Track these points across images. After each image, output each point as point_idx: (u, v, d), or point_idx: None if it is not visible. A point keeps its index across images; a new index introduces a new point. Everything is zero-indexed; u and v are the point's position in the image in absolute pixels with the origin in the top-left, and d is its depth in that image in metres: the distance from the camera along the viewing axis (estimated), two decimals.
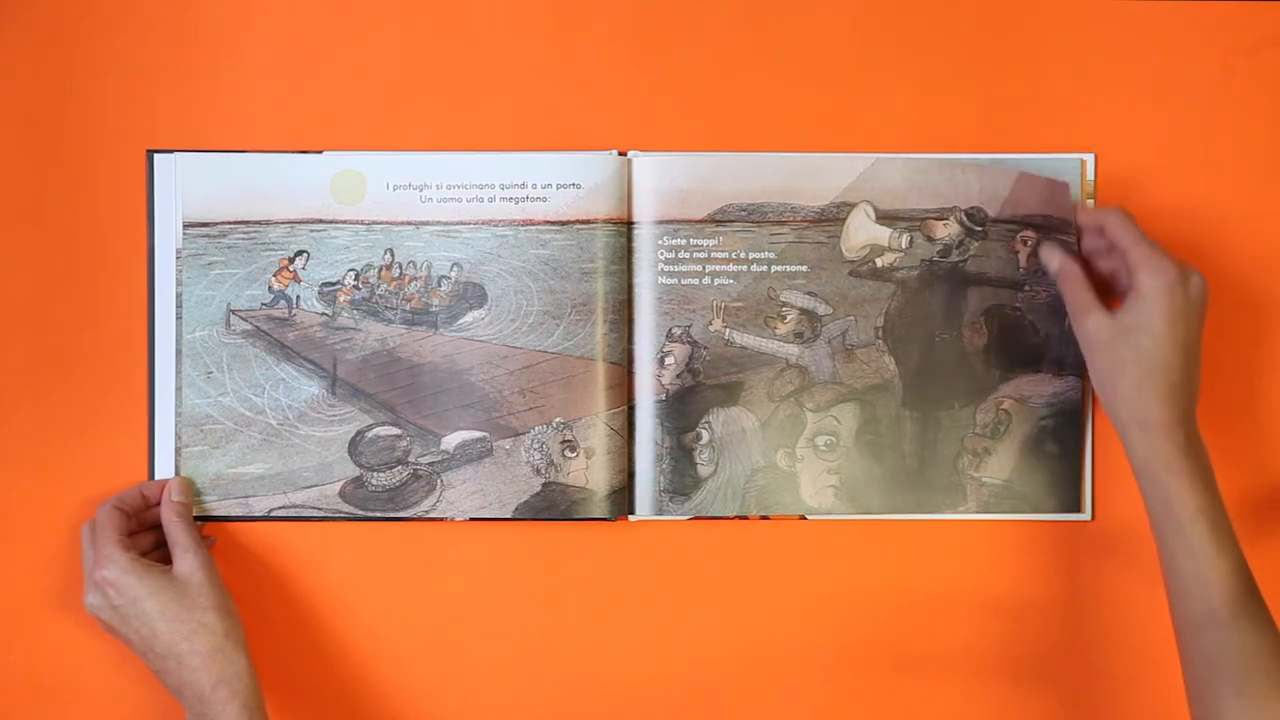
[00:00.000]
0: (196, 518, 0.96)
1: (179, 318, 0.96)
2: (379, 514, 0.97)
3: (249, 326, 0.97)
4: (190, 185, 0.96)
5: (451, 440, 0.97)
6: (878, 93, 0.98)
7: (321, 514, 0.97)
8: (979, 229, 0.96)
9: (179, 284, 0.96)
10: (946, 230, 0.96)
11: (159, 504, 0.95)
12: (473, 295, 0.97)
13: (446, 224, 0.97)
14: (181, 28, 0.96)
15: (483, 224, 0.97)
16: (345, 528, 0.97)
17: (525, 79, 0.97)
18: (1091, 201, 0.98)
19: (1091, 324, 0.90)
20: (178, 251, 0.96)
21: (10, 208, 0.96)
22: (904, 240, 0.96)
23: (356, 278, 0.97)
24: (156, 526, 0.96)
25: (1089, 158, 0.98)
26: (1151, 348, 0.87)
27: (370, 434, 0.97)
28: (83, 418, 0.96)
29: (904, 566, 0.98)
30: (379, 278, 0.97)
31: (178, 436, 0.96)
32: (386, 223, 0.97)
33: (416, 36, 0.97)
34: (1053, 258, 0.94)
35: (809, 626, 0.98)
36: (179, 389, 0.96)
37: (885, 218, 0.96)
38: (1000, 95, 0.98)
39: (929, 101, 0.98)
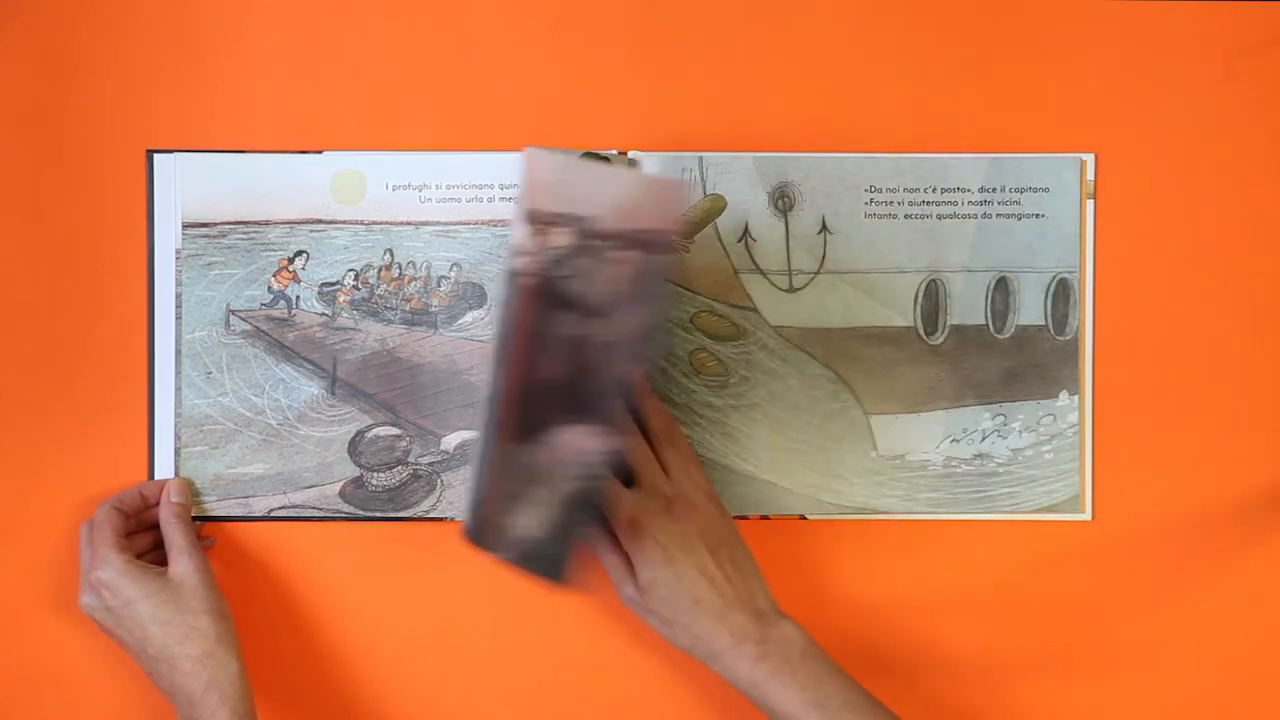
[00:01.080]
0: (196, 518, 0.96)
1: (179, 318, 0.96)
2: (379, 514, 0.97)
3: (249, 327, 0.97)
4: (190, 185, 0.96)
5: (451, 440, 0.97)
6: (877, 93, 0.98)
7: (321, 514, 0.97)
8: (592, 243, 0.81)
9: (179, 284, 0.96)
10: (560, 240, 0.81)
11: (158, 504, 0.95)
12: (472, 295, 0.97)
13: (446, 224, 0.97)
14: (181, 28, 0.96)
15: (482, 224, 0.97)
16: (345, 528, 0.97)
17: (525, 79, 0.97)
18: (1092, 203, 0.98)
19: (627, 594, 0.90)
20: (177, 252, 0.96)
21: (10, 208, 0.96)
22: (533, 244, 0.82)
23: (356, 278, 0.97)
24: (155, 527, 0.96)
25: (1089, 158, 0.98)
26: (672, 594, 0.88)
27: (370, 434, 0.97)
28: (83, 418, 0.96)
29: (904, 566, 0.98)
30: (378, 278, 0.97)
31: (177, 437, 0.96)
32: (386, 223, 0.97)
33: (416, 36, 0.97)
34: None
35: (809, 626, 0.98)
36: (179, 389, 0.96)
37: (540, 218, 0.81)
38: (1000, 95, 0.98)
39: (928, 101, 0.98)
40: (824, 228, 0.97)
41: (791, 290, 0.97)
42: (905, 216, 0.97)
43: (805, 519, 0.98)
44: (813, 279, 0.97)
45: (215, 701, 0.87)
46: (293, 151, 0.96)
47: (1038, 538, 0.98)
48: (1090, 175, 0.98)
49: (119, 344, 0.96)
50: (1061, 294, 0.98)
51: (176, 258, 0.96)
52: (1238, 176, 0.98)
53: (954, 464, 0.98)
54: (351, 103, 0.97)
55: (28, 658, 0.96)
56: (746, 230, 0.97)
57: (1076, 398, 0.98)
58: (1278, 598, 0.98)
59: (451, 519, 0.97)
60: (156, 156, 0.96)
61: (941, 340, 0.98)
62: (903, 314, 0.98)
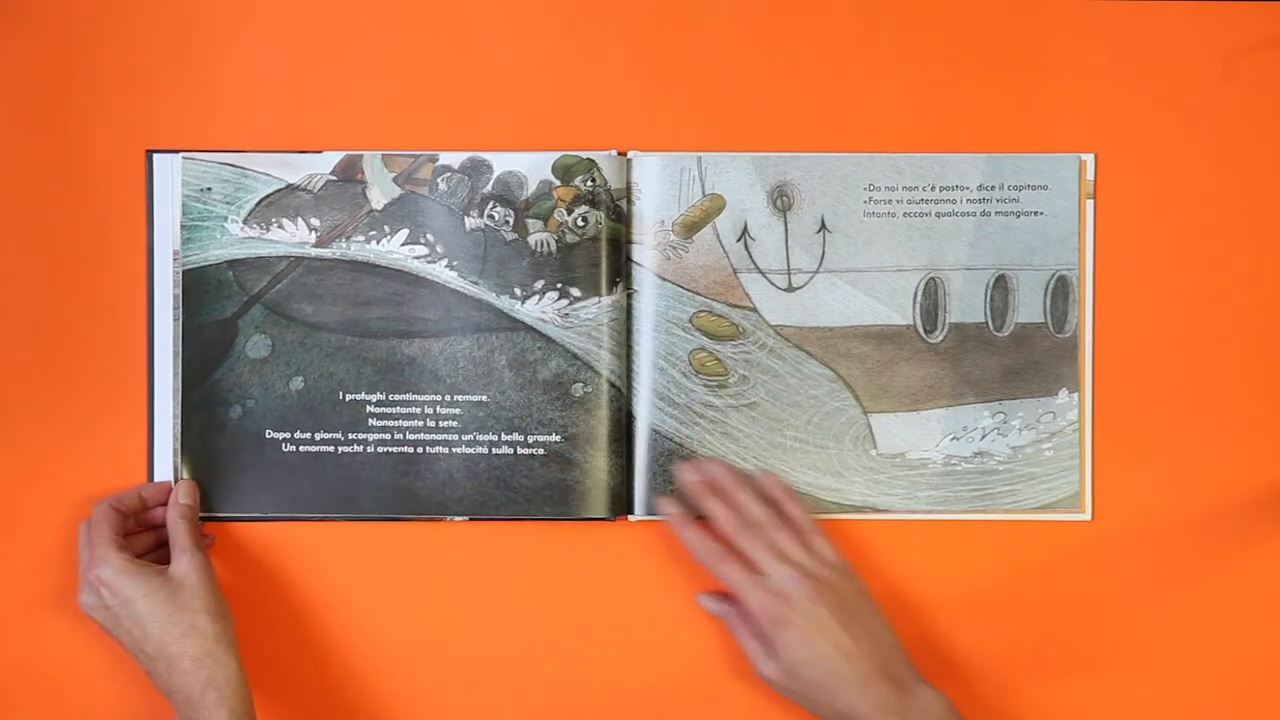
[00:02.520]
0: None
1: (178, 318, 0.96)
2: (379, 514, 0.97)
3: None
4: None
5: None
6: (877, 93, 0.98)
7: (321, 514, 0.97)
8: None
9: (178, 284, 0.96)
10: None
11: (157, 506, 0.95)
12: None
13: None
14: (181, 28, 0.96)
15: None
16: (345, 528, 0.97)
17: (525, 79, 0.97)
18: (1091, 202, 0.98)
19: (766, 672, 0.92)
20: (176, 252, 0.96)
21: (10, 208, 0.96)
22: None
23: None
24: (157, 527, 0.96)
25: (1089, 158, 0.98)
26: (813, 674, 0.89)
27: None
28: (82, 418, 0.96)
29: (904, 566, 0.98)
30: None
31: (177, 437, 0.96)
32: None
33: (416, 36, 0.97)
34: (713, 606, 0.96)
35: None
36: (178, 389, 0.96)
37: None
38: (1000, 95, 0.98)
39: (928, 101, 0.98)
40: (823, 227, 0.98)
41: (791, 289, 0.97)
42: (904, 215, 0.97)
43: None
44: (812, 278, 0.97)
45: (213, 701, 0.87)
46: (293, 151, 0.97)
47: (1037, 537, 0.98)
48: (1090, 175, 0.98)
49: (119, 344, 0.96)
50: (1060, 291, 0.98)
51: (176, 258, 0.96)
52: (1238, 176, 0.98)
53: (954, 462, 0.98)
54: (351, 102, 0.97)
55: (28, 657, 0.96)
56: (745, 230, 0.97)
57: (1076, 395, 0.98)
58: (1278, 598, 0.97)
59: (451, 519, 0.97)
60: (156, 156, 0.97)
61: (941, 338, 0.98)
62: (902, 312, 0.98)
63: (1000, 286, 0.98)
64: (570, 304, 0.97)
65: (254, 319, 0.97)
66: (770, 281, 0.97)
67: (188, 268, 0.96)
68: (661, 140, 0.97)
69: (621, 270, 0.97)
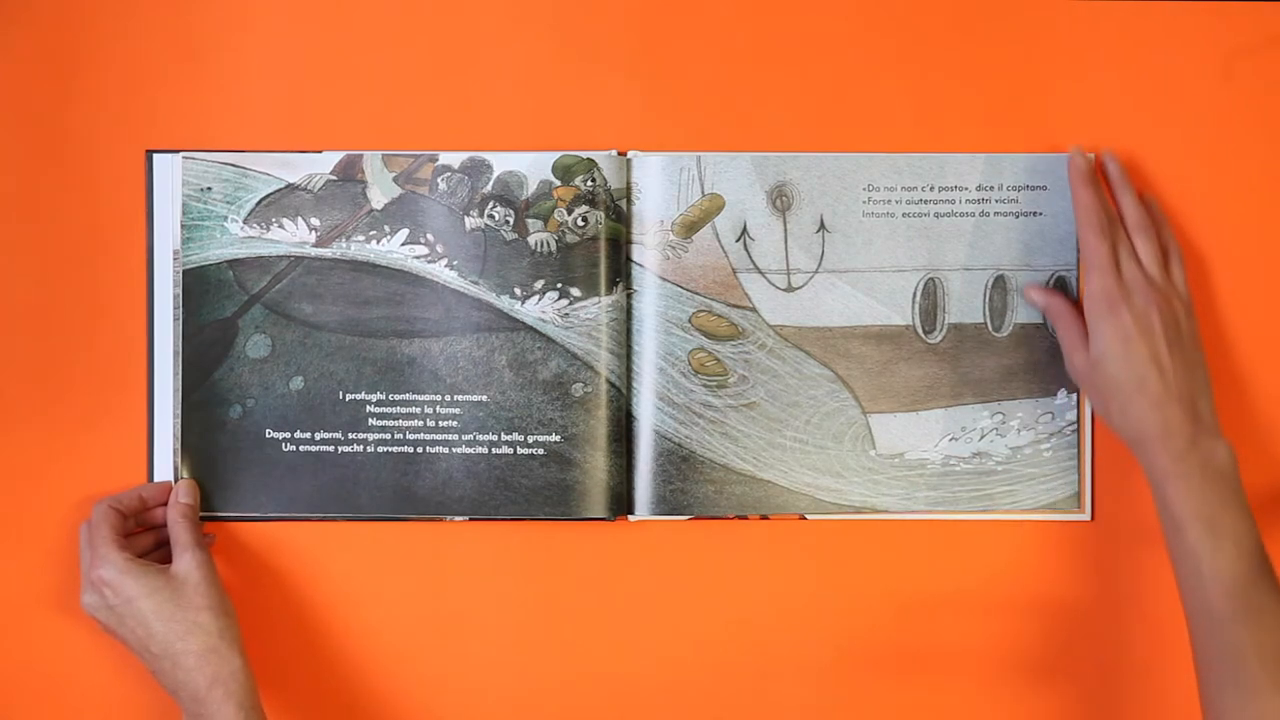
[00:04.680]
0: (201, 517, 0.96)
1: (178, 318, 0.96)
2: (379, 514, 0.97)
3: None
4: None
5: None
6: (877, 92, 0.98)
7: (321, 514, 0.97)
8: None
9: (178, 284, 0.96)
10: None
11: (157, 506, 0.95)
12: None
13: None
14: (181, 28, 0.97)
15: None
16: (345, 528, 0.97)
17: (525, 79, 0.97)
18: None
19: (1075, 362, 0.93)
20: (176, 252, 0.96)
21: (10, 208, 0.96)
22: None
23: None
24: (157, 526, 0.96)
25: (1089, 158, 0.98)
26: (1119, 371, 0.90)
27: None
28: (83, 418, 0.96)
29: (904, 566, 0.98)
30: None
31: (177, 436, 0.96)
32: None
33: (416, 36, 0.97)
34: (1038, 297, 0.96)
35: (809, 626, 0.98)
36: (178, 389, 0.96)
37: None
38: (1000, 95, 0.98)
39: (928, 101, 0.98)
40: (822, 226, 0.98)
41: (790, 289, 0.97)
42: (903, 215, 0.97)
43: (804, 518, 0.98)
44: (811, 278, 0.97)
45: (220, 697, 0.87)
46: (293, 151, 0.97)
47: (1036, 537, 0.98)
48: None
49: (119, 344, 0.96)
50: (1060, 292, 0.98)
51: (176, 258, 0.96)
52: (1238, 176, 0.98)
53: (952, 462, 0.98)
54: (351, 102, 0.97)
55: (29, 658, 0.97)
56: (745, 230, 0.97)
57: (1075, 396, 0.98)
58: None
59: (451, 519, 0.97)
60: (156, 156, 0.97)
61: (940, 339, 0.98)
62: (901, 313, 0.98)
63: (999, 287, 0.98)
64: (570, 304, 0.97)
65: (254, 319, 0.97)
66: (770, 281, 0.97)
67: (188, 267, 0.96)
68: (661, 140, 0.97)
69: (621, 270, 0.97)
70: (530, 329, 0.97)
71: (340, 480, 0.97)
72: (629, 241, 0.97)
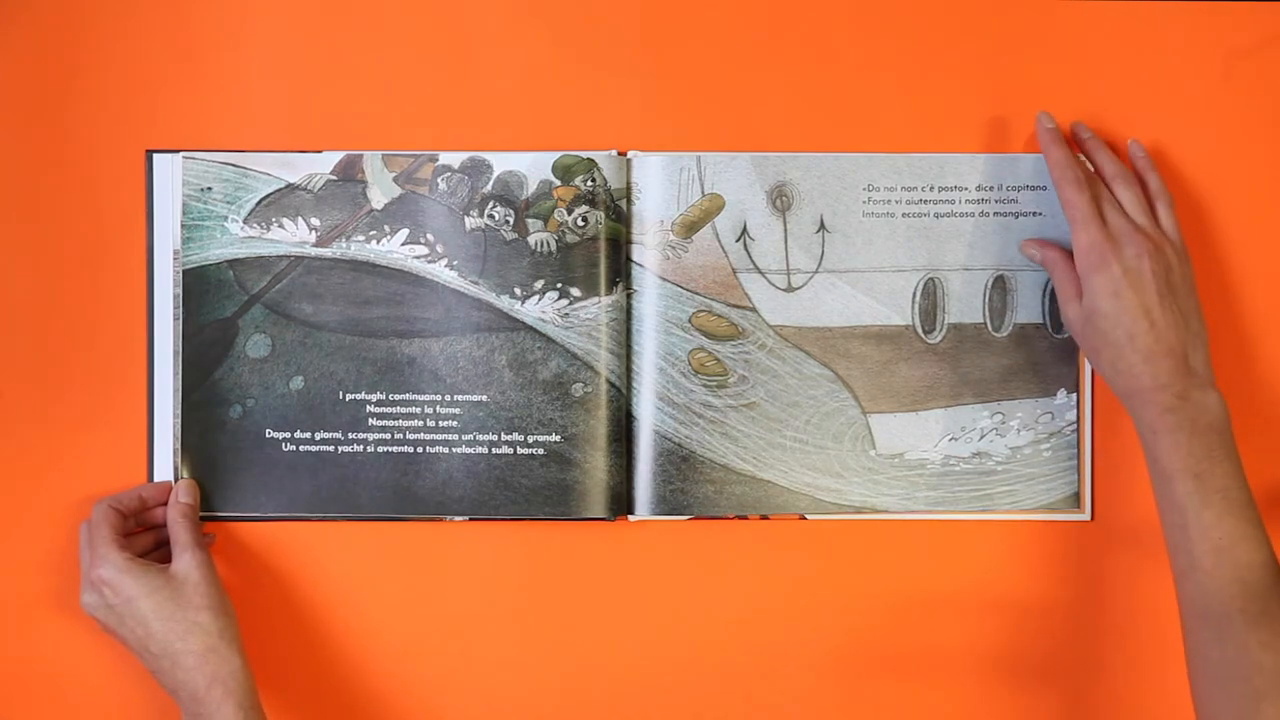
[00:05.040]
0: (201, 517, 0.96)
1: (178, 318, 0.96)
2: (379, 514, 0.97)
3: None
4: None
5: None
6: (877, 92, 0.98)
7: (321, 514, 0.97)
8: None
9: (178, 284, 0.96)
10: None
11: (157, 506, 0.95)
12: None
13: None
14: (181, 28, 0.97)
15: None
16: (345, 528, 0.97)
17: (525, 79, 0.97)
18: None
19: (1069, 314, 0.93)
20: (176, 252, 0.97)
21: (10, 208, 0.96)
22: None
23: None
24: (157, 526, 0.96)
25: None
26: (1110, 326, 0.89)
27: None
28: (83, 418, 0.97)
29: (904, 566, 0.98)
30: None
31: (177, 436, 0.97)
32: None
33: (416, 36, 0.97)
34: (1034, 249, 0.96)
35: (809, 626, 0.98)
36: (178, 389, 0.96)
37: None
38: (1000, 95, 0.98)
39: (928, 101, 0.98)
40: (822, 226, 0.98)
41: (790, 289, 0.97)
42: (903, 215, 0.97)
43: (804, 518, 0.98)
44: (811, 278, 0.97)
45: (219, 696, 0.87)
46: (293, 151, 0.97)
47: (1037, 537, 0.98)
48: None
49: (119, 344, 0.96)
50: None
51: (176, 258, 0.96)
52: (1238, 176, 0.98)
53: (952, 462, 0.98)
54: (351, 102, 0.97)
55: (28, 658, 0.97)
56: (745, 230, 0.97)
57: (1075, 396, 0.98)
58: None
59: (451, 519, 0.97)
60: (156, 156, 0.97)
61: (940, 339, 0.98)
62: (901, 313, 0.98)
63: (999, 287, 0.98)
64: (570, 304, 0.97)
65: (254, 319, 0.97)
66: (769, 281, 0.97)
67: (188, 267, 0.96)
68: (661, 140, 0.97)
69: (621, 270, 0.97)
70: (530, 329, 0.97)
71: (340, 480, 0.97)
72: (629, 241, 0.97)
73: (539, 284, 0.97)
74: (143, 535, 0.95)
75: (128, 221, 0.96)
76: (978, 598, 0.98)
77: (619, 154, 0.97)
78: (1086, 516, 0.98)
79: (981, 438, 0.98)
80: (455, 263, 0.97)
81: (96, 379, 0.96)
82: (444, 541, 0.97)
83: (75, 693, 0.97)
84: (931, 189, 0.97)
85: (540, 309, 0.97)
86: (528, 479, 0.97)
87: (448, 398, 0.97)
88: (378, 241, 0.97)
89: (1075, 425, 0.98)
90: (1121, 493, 0.98)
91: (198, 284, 0.97)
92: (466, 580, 0.98)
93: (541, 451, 0.97)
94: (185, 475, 0.96)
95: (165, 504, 0.95)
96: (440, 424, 0.97)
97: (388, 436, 0.97)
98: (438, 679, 0.98)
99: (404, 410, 0.97)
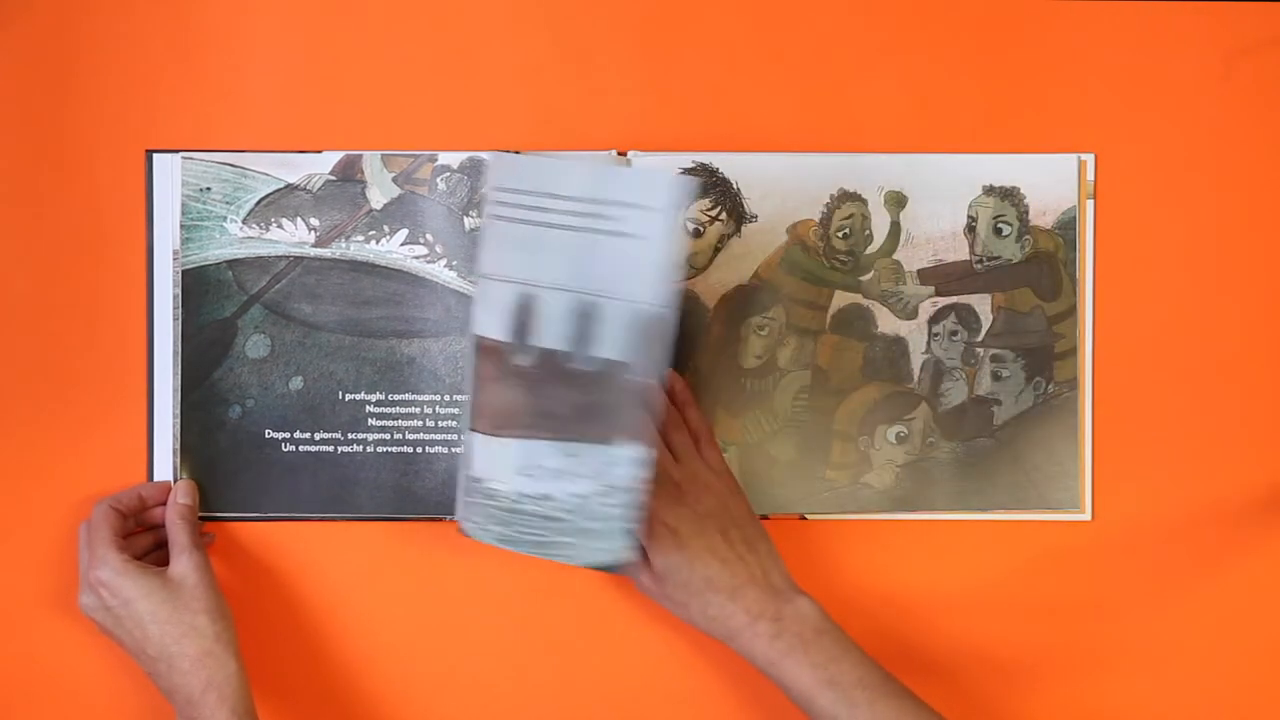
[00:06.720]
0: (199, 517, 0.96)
1: (178, 318, 0.96)
2: (378, 514, 0.97)
3: None
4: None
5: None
6: (877, 92, 0.98)
7: (321, 514, 0.97)
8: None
9: (178, 284, 0.96)
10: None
11: (156, 505, 0.95)
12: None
13: None
14: (181, 28, 0.97)
15: None
16: (345, 528, 0.97)
17: (525, 79, 0.97)
18: (1092, 202, 0.97)
19: (645, 583, 0.92)
20: (176, 252, 0.96)
21: (10, 207, 0.96)
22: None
23: None
24: (156, 527, 0.96)
25: (1089, 158, 0.98)
26: (686, 575, 0.89)
27: None
28: (82, 418, 0.96)
29: (904, 566, 0.98)
30: None
31: (176, 437, 0.96)
32: None
33: (416, 36, 0.97)
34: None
35: None
36: (178, 389, 0.96)
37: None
38: (999, 95, 0.98)
39: (928, 101, 0.98)
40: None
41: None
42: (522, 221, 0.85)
43: (804, 518, 0.98)
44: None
45: (214, 701, 0.87)
46: (293, 151, 0.97)
47: (1037, 537, 0.98)
48: (1090, 175, 0.98)
49: (118, 344, 0.96)
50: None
51: (176, 258, 0.96)
52: (1238, 177, 0.98)
53: (523, 502, 0.87)
54: (351, 102, 0.97)
55: (28, 658, 0.97)
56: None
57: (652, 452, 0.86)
58: (1278, 598, 0.97)
59: (451, 519, 0.97)
60: (156, 156, 0.97)
61: (529, 361, 0.85)
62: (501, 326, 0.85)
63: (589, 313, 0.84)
64: None
65: (253, 319, 0.97)
66: None
67: (187, 267, 0.96)
68: (662, 140, 0.97)
69: None
70: None
71: (340, 480, 0.97)
72: None
73: None
74: (142, 536, 0.95)
75: (127, 221, 0.96)
76: (978, 598, 0.98)
77: (619, 154, 0.97)
78: (1086, 516, 0.98)
79: (555, 479, 0.86)
80: (455, 263, 0.97)
81: (96, 379, 0.96)
82: (444, 541, 0.97)
83: (73, 693, 0.97)
84: (545, 194, 0.83)
85: None
86: None
87: (447, 398, 0.97)
88: (377, 242, 0.97)
89: (644, 482, 0.86)
90: (1121, 493, 0.98)
91: (197, 284, 0.97)
92: (466, 580, 0.98)
93: None
94: (184, 475, 0.96)
95: (165, 504, 0.95)
96: (440, 424, 0.97)
97: (387, 437, 0.97)
98: (437, 679, 0.98)
99: (404, 410, 0.97)
